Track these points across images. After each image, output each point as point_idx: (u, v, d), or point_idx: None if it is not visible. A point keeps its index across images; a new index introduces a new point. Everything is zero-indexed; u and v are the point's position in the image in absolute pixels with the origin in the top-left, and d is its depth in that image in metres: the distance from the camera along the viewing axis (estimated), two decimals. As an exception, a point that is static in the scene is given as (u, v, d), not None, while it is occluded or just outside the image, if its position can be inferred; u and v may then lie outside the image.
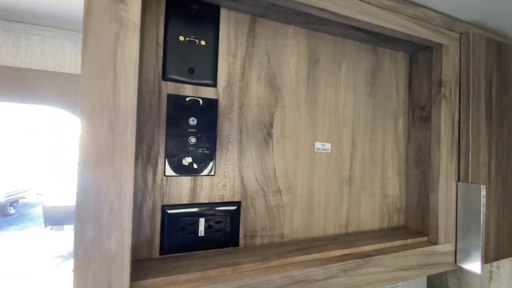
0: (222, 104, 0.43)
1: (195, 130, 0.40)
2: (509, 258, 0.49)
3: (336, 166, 0.52)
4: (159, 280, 0.33)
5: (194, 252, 0.41)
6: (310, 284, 0.39)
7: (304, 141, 0.49)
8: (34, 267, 4.33)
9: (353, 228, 0.53)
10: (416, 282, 1.18)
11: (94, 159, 0.28)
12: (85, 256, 0.28)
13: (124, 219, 0.30)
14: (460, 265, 0.52)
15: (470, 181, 0.52)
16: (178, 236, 0.40)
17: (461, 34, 0.54)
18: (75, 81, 0.66)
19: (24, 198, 7.35)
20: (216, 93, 0.42)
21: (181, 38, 0.39)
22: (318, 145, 0.50)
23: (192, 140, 0.40)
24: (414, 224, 0.57)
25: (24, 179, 7.34)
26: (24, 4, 0.55)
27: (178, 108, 0.39)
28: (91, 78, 0.28)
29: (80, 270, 0.28)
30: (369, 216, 0.55)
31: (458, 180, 0.53)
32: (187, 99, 0.40)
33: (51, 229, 5.47)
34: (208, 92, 0.42)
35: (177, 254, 0.40)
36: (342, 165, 0.53)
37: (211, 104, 0.41)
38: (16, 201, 7.02)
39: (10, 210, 6.72)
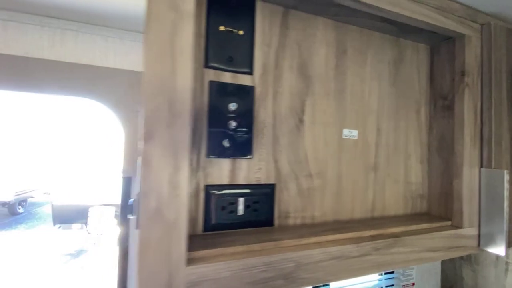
0: (258, 91, 0.45)
1: (234, 115, 0.42)
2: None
3: (362, 153, 0.54)
4: (210, 251, 0.35)
5: (234, 230, 0.43)
6: (346, 261, 0.41)
7: (333, 128, 0.51)
8: (43, 265, 4.40)
9: (378, 213, 0.55)
10: (430, 274, 1.19)
11: (156, 136, 0.31)
12: (149, 224, 0.31)
13: (181, 192, 0.32)
14: (484, 248, 0.54)
15: (493, 166, 0.54)
16: (220, 214, 0.42)
17: (482, 25, 0.56)
18: (105, 74, 0.68)
19: (32, 197, 7.47)
20: (252, 81, 0.45)
21: (221, 28, 0.42)
22: (346, 132, 0.52)
23: (232, 124, 0.42)
24: (436, 210, 0.59)
25: (32, 178, 7.45)
26: (60, 1, 0.58)
27: (219, 94, 0.42)
28: (152, 62, 0.31)
29: (144, 237, 0.30)
30: (393, 201, 0.57)
31: (481, 166, 0.55)
32: (227, 85, 0.42)
33: (59, 227, 5.56)
34: (245, 80, 0.44)
35: (219, 232, 0.42)
36: (368, 152, 0.55)
37: (249, 91, 0.44)
38: (25, 200, 7.13)
39: (19, 209, 6.83)
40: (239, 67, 0.43)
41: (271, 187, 0.46)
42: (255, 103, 0.45)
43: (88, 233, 5.02)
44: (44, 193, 7.42)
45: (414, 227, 0.51)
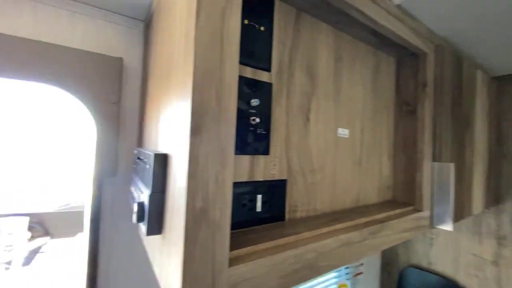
0: (275, 88, 0.46)
1: (255, 111, 0.42)
2: (443, 229, 0.65)
3: (350, 150, 0.60)
4: (244, 250, 0.35)
5: (253, 227, 0.43)
6: (351, 246, 0.46)
7: (331, 126, 0.56)
8: None
9: (361, 203, 0.63)
10: (373, 256, 1.39)
11: (204, 130, 0.29)
12: (194, 225, 0.28)
13: (226, 190, 0.31)
14: (436, 226, 0.67)
15: (442, 160, 0.67)
16: (241, 212, 0.41)
17: (436, 46, 0.69)
18: (72, 56, 0.57)
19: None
20: (269, 78, 0.45)
21: (246, 21, 0.41)
22: (340, 131, 0.57)
23: (254, 120, 0.42)
24: (401, 197, 0.70)
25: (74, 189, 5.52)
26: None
27: (244, 89, 0.41)
28: (202, 50, 0.29)
29: (190, 239, 0.28)
30: (371, 192, 0.66)
31: (434, 160, 0.68)
32: (250, 81, 0.42)
33: None
34: (263, 76, 0.44)
35: (241, 230, 0.41)
36: (354, 149, 0.61)
37: (267, 88, 0.44)
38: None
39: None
40: (259, 62, 0.43)
41: (283, 183, 0.47)
42: (272, 100, 0.45)
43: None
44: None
45: (392, 212, 0.60)
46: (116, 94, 0.62)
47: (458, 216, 0.70)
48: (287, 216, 0.48)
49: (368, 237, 0.50)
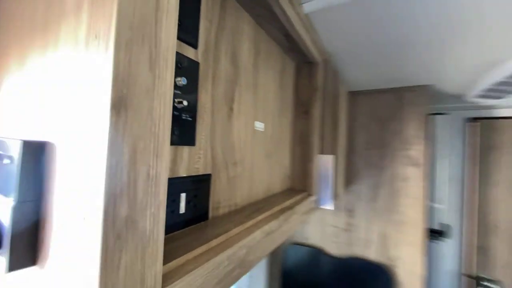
0: (201, 69, 0.40)
1: (181, 93, 0.35)
2: (324, 208, 0.85)
3: (264, 143, 0.63)
4: (176, 262, 0.28)
5: (177, 232, 0.36)
6: (272, 234, 0.48)
7: (251, 119, 0.55)
8: None
9: (271, 192, 0.67)
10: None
11: (131, 106, 0.20)
12: (117, 242, 0.20)
13: (160, 188, 0.23)
14: (322, 207, 0.82)
15: (324, 153, 0.83)
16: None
17: (324, 58, 0.84)
18: None
19: None
20: (196, 56, 0.39)
21: (172, -20, 0.33)
22: (257, 124, 0.58)
23: (181, 103, 0.34)
24: (297, 185, 0.81)
25: None
26: None
27: (166, 63, 0.33)
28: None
29: (110, 264, 0.19)
30: (277, 182, 0.72)
31: (320, 153, 0.82)
32: (177, 54, 0.34)
33: None
34: (190, 52, 0.37)
35: (165, 236, 0.33)
36: (266, 142, 0.64)
37: (195, 67, 0.38)
38: None
39: None
40: (186, 35, 0.36)
41: (208, 178, 0.42)
42: (199, 83, 0.39)
43: None
44: None
45: (294, 199, 0.67)
46: None
47: (334, 198, 0.89)
48: (210, 214, 0.43)
49: (283, 223, 0.53)
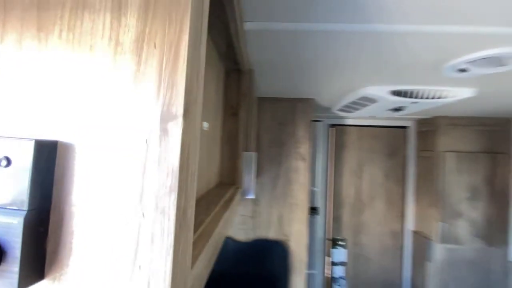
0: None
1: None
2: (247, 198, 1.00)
3: (207, 141, 0.67)
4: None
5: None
6: (227, 223, 0.55)
7: (201, 118, 0.59)
8: None
9: (210, 187, 0.72)
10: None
11: (188, 112, 0.24)
12: (182, 236, 0.23)
13: (194, 178, 0.27)
14: (245, 197, 0.94)
15: (248, 150, 0.95)
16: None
17: (249, 68, 0.96)
18: None
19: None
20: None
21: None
22: (204, 124, 0.62)
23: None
24: (226, 179, 0.89)
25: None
26: None
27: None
28: None
29: (181, 259, 0.23)
30: (212, 177, 0.77)
31: (245, 151, 0.94)
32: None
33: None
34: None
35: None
36: (208, 141, 0.69)
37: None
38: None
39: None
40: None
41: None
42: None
43: None
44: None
45: (230, 192, 0.76)
46: None
47: (254, 189, 1.03)
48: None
49: (230, 214, 0.61)
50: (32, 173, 0.20)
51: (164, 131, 0.22)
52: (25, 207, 0.20)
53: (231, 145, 0.90)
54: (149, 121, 0.22)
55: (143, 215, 0.22)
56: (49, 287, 0.21)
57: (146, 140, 0.22)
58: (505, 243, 1.80)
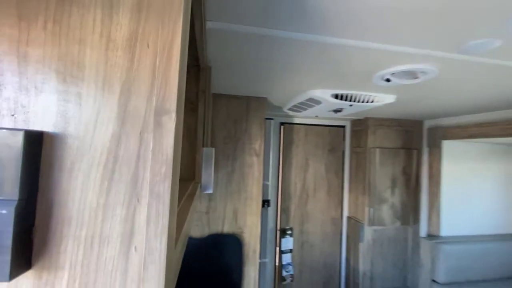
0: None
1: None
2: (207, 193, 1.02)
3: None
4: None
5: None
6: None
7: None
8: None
9: (170, 183, 0.72)
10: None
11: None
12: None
13: (178, 164, 0.30)
14: (204, 192, 0.95)
15: (209, 146, 0.97)
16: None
17: (208, 65, 0.97)
18: None
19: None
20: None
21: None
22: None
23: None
24: (184, 174, 0.89)
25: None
26: None
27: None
28: None
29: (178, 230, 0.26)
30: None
31: (203, 146, 0.96)
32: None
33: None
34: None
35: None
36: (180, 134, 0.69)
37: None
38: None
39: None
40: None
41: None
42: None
43: None
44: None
45: (191, 187, 0.77)
46: None
47: (212, 184, 1.05)
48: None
49: (194, 207, 0.63)
50: (23, 163, 0.20)
51: (158, 124, 0.24)
52: (16, 197, 0.20)
53: (191, 141, 0.91)
54: (143, 115, 0.24)
55: (138, 200, 0.24)
56: (37, 275, 0.22)
57: (140, 132, 0.24)
58: (417, 222, 2.23)
